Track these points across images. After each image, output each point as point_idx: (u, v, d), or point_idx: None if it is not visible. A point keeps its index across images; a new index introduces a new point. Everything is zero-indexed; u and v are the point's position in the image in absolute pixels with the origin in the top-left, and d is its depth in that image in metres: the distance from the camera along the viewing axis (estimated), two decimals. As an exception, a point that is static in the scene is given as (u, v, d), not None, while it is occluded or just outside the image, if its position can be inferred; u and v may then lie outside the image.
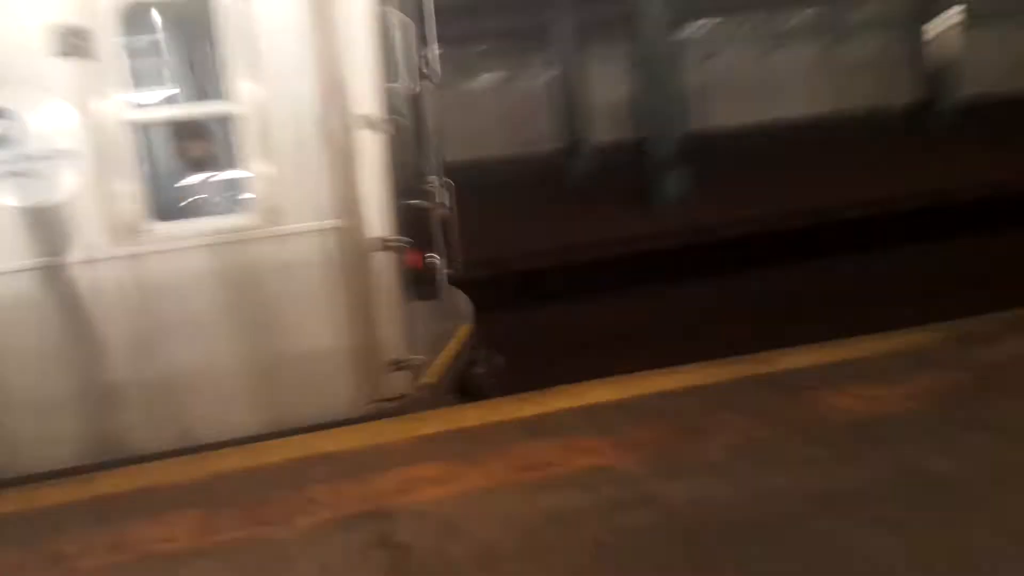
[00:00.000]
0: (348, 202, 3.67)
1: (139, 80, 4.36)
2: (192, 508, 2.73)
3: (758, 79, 16.95)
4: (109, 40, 3.39)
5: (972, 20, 15.79)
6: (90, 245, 3.42)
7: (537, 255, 8.42)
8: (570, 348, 6.84)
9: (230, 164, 3.97)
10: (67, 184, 3.37)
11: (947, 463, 2.72)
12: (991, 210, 9.44)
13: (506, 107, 16.16)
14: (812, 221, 9.18)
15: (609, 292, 8.08)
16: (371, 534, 2.52)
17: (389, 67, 3.95)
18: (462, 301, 5.24)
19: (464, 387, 4.62)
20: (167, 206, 3.84)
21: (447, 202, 4.54)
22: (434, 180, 4.53)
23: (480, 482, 2.82)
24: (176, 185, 4.14)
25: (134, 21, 3.84)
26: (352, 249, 3.68)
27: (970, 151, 12.49)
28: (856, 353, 4.01)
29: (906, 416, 3.18)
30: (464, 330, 4.90)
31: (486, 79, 16.06)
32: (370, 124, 3.66)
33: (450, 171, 4.72)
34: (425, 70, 4.50)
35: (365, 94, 3.68)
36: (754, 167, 13.11)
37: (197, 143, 4.19)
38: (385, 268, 3.75)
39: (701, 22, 16.34)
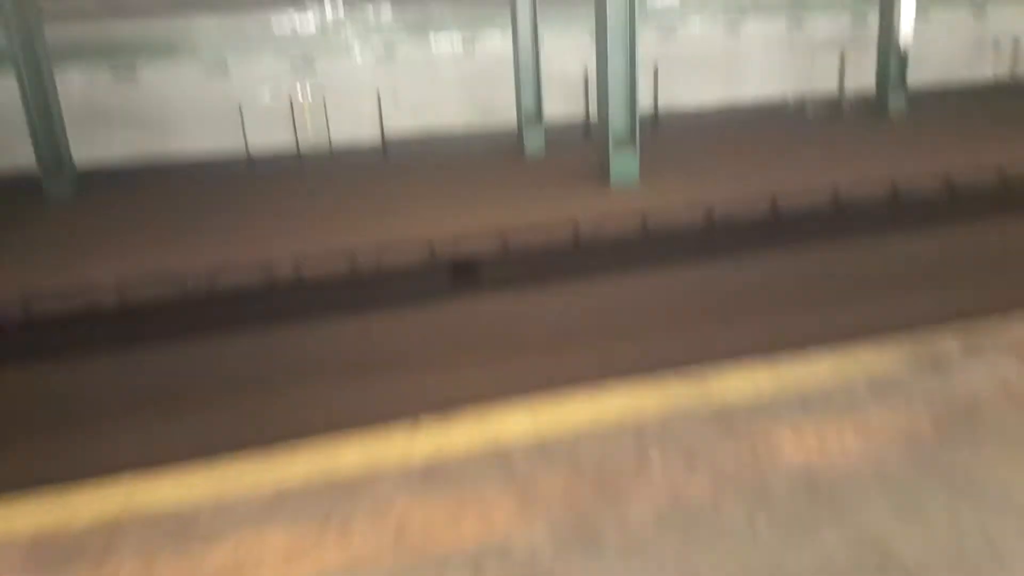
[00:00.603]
0: None
1: None
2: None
3: (719, 57, 16.48)
4: None
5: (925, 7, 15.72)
6: None
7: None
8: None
9: None
10: None
11: (912, 538, 2.22)
12: (949, 200, 9.12)
13: (462, 75, 15.44)
14: (767, 208, 8.72)
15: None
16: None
17: None
18: None
19: None
20: None
21: None
22: None
23: (339, 559, 2.23)
24: None
25: None
26: None
27: (925, 138, 12.20)
28: (805, 376, 3.51)
29: (865, 467, 2.68)
30: None
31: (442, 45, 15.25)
32: None
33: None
34: None
35: None
36: (709, 148, 12.65)
37: None
38: None
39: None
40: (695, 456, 2.78)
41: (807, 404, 3.20)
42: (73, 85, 13.29)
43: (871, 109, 16.04)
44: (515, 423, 3.16)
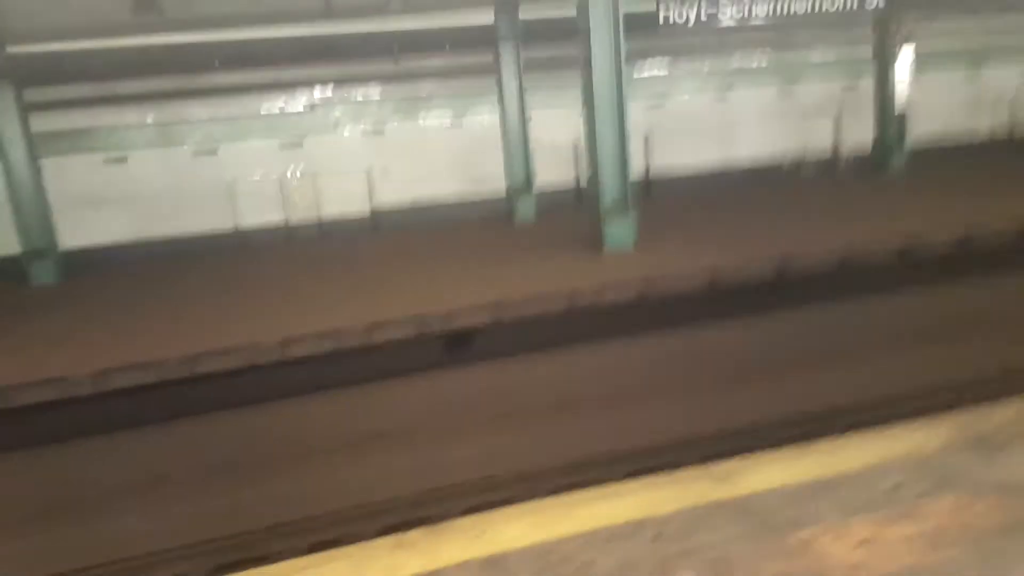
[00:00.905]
0: None
1: None
2: None
3: (710, 122, 16.49)
4: None
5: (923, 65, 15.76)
6: None
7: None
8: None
9: None
10: None
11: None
12: (955, 258, 8.87)
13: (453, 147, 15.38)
14: (769, 272, 8.45)
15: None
16: None
17: None
18: None
19: None
20: None
21: None
22: None
23: None
24: None
25: None
26: None
27: (926, 196, 12.06)
28: (841, 464, 3.12)
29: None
30: None
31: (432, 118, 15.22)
32: None
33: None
34: None
35: None
36: (705, 210, 12.50)
37: None
38: None
39: (653, 63, 15.88)
40: (730, 566, 2.39)
41: (848, 496, 2.81)
42: (63, 170, 13.12)
43: (868, 168, 15.99)
44: (515, 531, 2.76)
